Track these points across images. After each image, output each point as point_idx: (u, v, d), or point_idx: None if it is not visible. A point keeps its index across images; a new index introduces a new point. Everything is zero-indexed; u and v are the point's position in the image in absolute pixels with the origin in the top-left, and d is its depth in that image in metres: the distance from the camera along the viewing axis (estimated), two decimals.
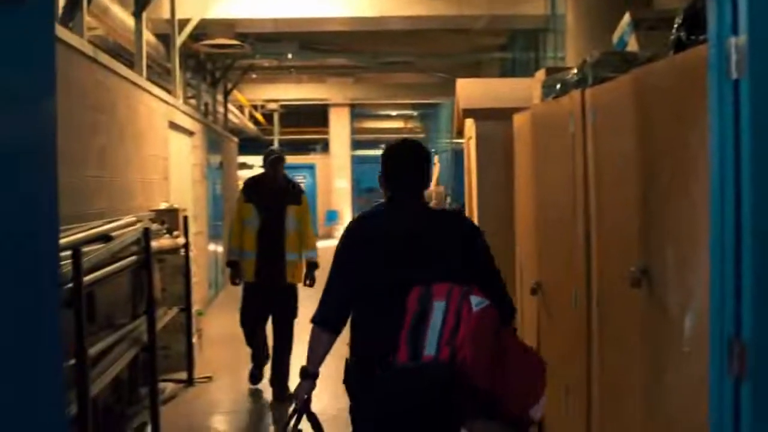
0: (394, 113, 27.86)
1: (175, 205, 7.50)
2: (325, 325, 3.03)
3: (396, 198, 3.16)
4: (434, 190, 17.60)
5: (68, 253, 3.63)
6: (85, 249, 4.21)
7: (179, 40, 9.13)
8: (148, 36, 8.95)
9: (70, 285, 3.61)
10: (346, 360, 3.04)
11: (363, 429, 3.02)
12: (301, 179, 25.91)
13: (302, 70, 18.06)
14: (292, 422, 2.96)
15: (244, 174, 23.35)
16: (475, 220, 6.86)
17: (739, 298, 2.43)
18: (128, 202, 6.46)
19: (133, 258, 4.95)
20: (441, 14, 10.48)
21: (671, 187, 3.03)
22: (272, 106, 21.91)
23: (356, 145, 27.80)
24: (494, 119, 6.30)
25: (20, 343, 1.83)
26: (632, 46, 4.36)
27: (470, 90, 7.13)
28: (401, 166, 3.18)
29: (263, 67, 16.07)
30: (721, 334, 2.49)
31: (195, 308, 7.73)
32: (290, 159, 24.90)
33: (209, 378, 7.05)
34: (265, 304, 6.36)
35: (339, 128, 24.29)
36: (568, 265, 4.34)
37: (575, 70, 4.38)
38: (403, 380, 2.80)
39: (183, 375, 6.95)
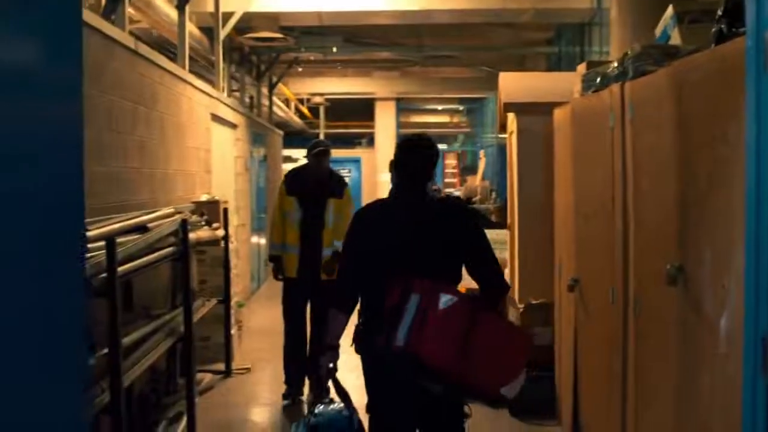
0: (440, 107, 27.71)
1: (216, 197, 7.54)
2: (340, 308, 3.47)
3: (401, 186, 3.51)
4: (479, 185, 17.50)
5: (102, 243, 3.67)
6: (122, 239, 4.27)
7: (223, 33, 9.19)
8: (192, 29, 9.03)
9: (104, 275, 3.64)
10: (356, 325, 3.50)
11: (369, 391, 3.50)
12: (346, 173, 25.99)
13: (348, 63, 18.06)
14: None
15: (288, 167, 23.56)
16: (515, 216, 6.80)
17: None
18: (169, 193, 6.51)
19: (170, 249, 4.98)
20: (486, 7, 10.38)
21: (709, 183, 2.94)
22: (318, 99, 21.94)
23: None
24: (535, 114, 6.23)
25: (45, 336, 1.81)
26: (675, 39, 4.27)
27: (512, 84, 7.05)
28: (410, 158, 3.50)
29: (309, 61, 16.10)
30: (755, 334, 2.42)
31: (235, 300, 7.78)
32: (336, 152, 24.95)
33: (248, 369, 7.10)
34: (305, 299, 6.22)
35: (384, 122, 24.26)
36: (605, 261, 4.26)
37: (615, 64, 4.30)
38: (381, 360, 3.30)
39: (222, 366, 7.00)
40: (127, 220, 4.53)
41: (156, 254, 4.64)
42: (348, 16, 10.08)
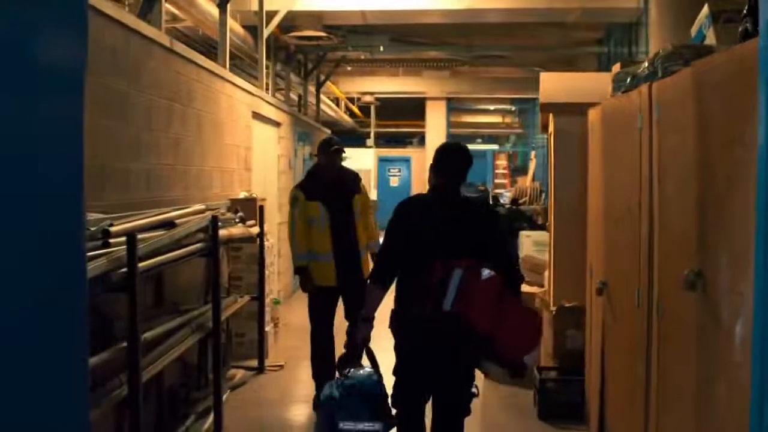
0: (492, 108, 27.51)
1: (254, 195, 7.60)
2: (378, 282, 3.97)
3: (438, 186, 4.03)
4: (529, 186, 17.32)
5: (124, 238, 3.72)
6: (147, 235, 4.33)
7: (266, 31, 9.25)
8: (236, 27, 9.12)
9: (125, 270, 3.70)
10: (392, 310, 3.97)
11: (399, 359, 3.95)
12: (396, 172, 26.01)
13: (397, 63, 18.03)
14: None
15: None
16: (551, 218, 6.71)
17: None
18: (205, 190, 6.58)
19: (199, 245, 5.03)
20: (532, 7, 10.27)
21: (727, 186, 2.87)
22: (368, 98, 21.97)
23: (456, 139, 27.67)
24: (572, 114, 6.13)
25: (42, 336, 1.79)
26: (710, 39, 4.16)
27: (552, 84, 6.96)
28: (448, 162, 4.03)
29: (358, 60, 16.12)
30: (762, 341, 2.36)
31: (270, 297, 7.83)
32: (385, 152, 24.93)
33: (281, 366, 7.14)
34: (334, 306, 5.95)
35: (435, 121, 24.19)
36: (632, 265, 4.19)
37: (646, 64, 4.21)
38: (427, 325, 3.76)
39: (255, 362, 7.05)
40: (155, 216, 4.58)
41: (183, 250, 4.68)
42: (392, 15, 10.06)
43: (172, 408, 5.57)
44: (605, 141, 4.78)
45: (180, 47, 5.87)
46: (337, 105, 21.05)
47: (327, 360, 5.82)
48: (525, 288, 7.30)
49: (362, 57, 15.13)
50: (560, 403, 5.68)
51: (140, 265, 3.87)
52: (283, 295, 10.21)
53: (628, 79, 4.42)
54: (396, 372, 3.96)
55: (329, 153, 5.89)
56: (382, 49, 13.28)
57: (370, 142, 25.36)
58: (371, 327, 3.97)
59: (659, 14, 6.09)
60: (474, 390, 4.03)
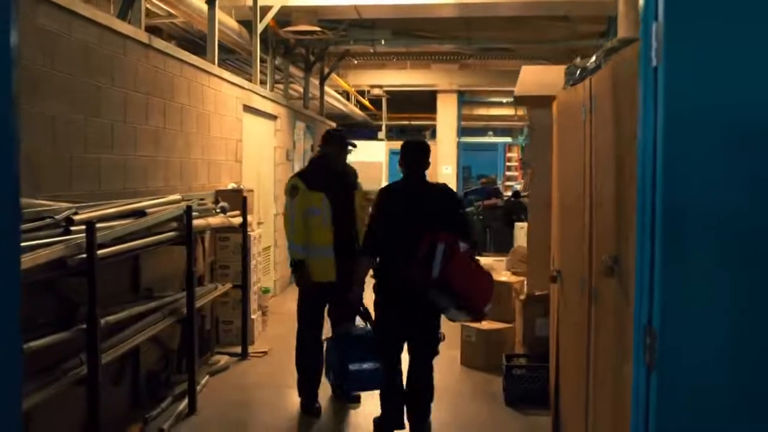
0: (504, 100, 27.54)
1: (242, 186, 7.79)
2: (367, 253, 5.02)
3: (409, 175, 5.05)
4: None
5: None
6: (116, 223, 4.54)
7: (260, 26, 9.42)
8: (230, 22, 9.30)
9: (84, 256, 3.90)
10: (376, 276, 5.02)
11: (383, 314, 5.00)
12: None
13: (404, 56, 18.15)
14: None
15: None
16: (529, 209, 6.85)
17: (652, 288, 2.45)
18: (190, 181, 6.77)
19: (172, 234, 5.23)
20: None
21: (630, 178, 3.00)
22: (377, 91, 22.09)
23: (468, 131, 27.73)
24: (545, 107, 6.23)
25: None
26: None
27: (530, 77, 7.07)
28: (412, 156, 5.09)
29: (365, 53, 16.25)
30: (639, 325, 2.51)
31: (258, 286, 8.02)
32: (397, 144, 24.93)
33: (264, 353, 7.33)
34: (328, 303, 5.84)
35: (446, 114, 24.25)
36: (578, 254, 4.32)
37: (594, 58, 4.33)
38: (409, 287, 4.75)
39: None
40: (124, 206, 4.77)
41: (152, 238, 4.88)
42: (386, 9, 10.18)
43: (150, 390, 5.79)
44: (560, 133, 4.92)
45: (161, 44, 6.06)
46: (347, 98, 21.19)
47: (314, 366, 5.76)
48: (505, 278, 7.45)
49: (371, 50, 15.24)
50: (527, 389, 5.83)
51: (101, 251, 4.07)
52: (280, 285, 10.40)
53: (578, 72, 4.54)
54: (380, 324, 5.04)
55: (341, 147, 5.84)
56: (383, 42, 13.40)
57: (381, 134, 25.50)
58: (363, 290, 5.10)
59: (626, 8, 6.19)
60: (440, 335, 5.13)
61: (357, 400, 5.91)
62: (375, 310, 5.06)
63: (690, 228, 2.33)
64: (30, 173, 4.23)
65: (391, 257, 4.95)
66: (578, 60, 5.15)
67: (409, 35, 13.52)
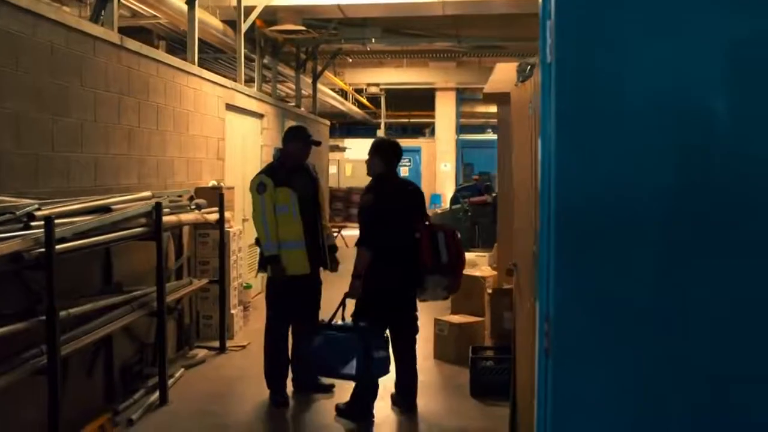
0: None
1: (221, 184, 7.94)
2: (367, 247, 5.36)
3: (386, 173, 5.59)
4: None
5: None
6: (81, 219, 4.68)
7: (245, 26, 9.57)
8: (214, 22, 9.45)
9: (42, 250, 4.04)
10: (372, 264, 5.38)
11: (380, 295, 5.41)
12: (406, 162, 26.25)
13: (401, 54, 18.27)
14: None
15: (336, 156, 23.93)
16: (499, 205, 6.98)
17: (549, 282, 2.59)
18: (166, 179, 6.92)
19: (141, 229, 5.37)
20: None
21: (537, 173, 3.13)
22: (373, 89, 22.22)
23: (468, 129, 27.80)
24: (508, 104, 6.34)
25: None
26: None
27: (503, 74, 7.15)
28: (391, 153, 5.64)
29: (361, 52, 16.38)
30: (541, 315, 2.65)
31: (239, 281, 8.16)
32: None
33: (243, 347, 7.47)
34: (310, 296, 5.99)
35: (445, 112, 24.39)
36: (528, 246, 4.45)
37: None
38: (404, 272, 5.43)
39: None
40: (90, 202, 4.92)
41: (118, 233, 5.02)
42: (370, 9, 10.31)
43: (124, 382, 5.94)
44: (515, 129, 5.05)
45: (134, 44, 6.20)
46: (345, 96, 21.32)
47: (286, 358, 5.95)
48: (478, 272, 7.58)
49: (368, 49, 15.35)
50: (491, 381, 5.94)
51: (61, 246, 4.22)
52: (263, 281, 10.52)
53: (528, 69, 4.66)
54: (376, 303, 5.41)
55: (304, 143, 5.95)
56: (373, 41, 13.52)
57: (380, 132, 25.64)
58: (362, 282, 5.33)
59: None
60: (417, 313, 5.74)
61: (329, 390, 6.04)
62: (371, 296, 5.39)
63: (580, 223, 2.46)
64: None
65: (388, 248, 5.38)
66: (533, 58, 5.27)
67: (399, 33, 13.64)
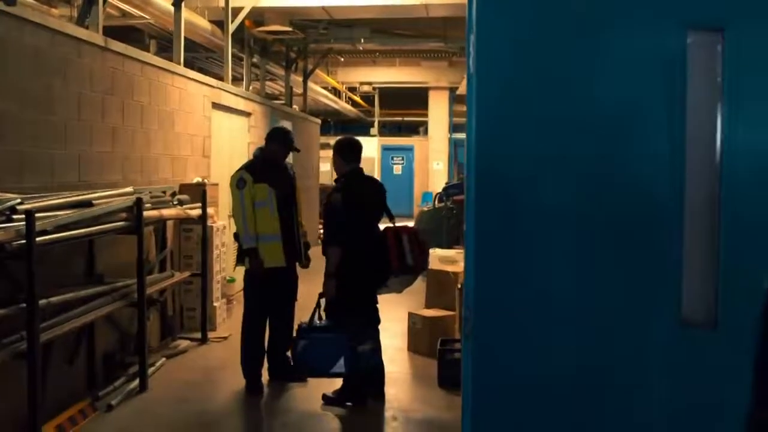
0: None
1: (205, 180, 8.19)
2: (339, 245, 5.52)
3: (353, 170, 5.77)
4: None
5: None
6: (62, 213, 4.94)
7: (232, 27, 9.82)
8: (202, 23, 9.70)
9: (23, 241, 4.30)
10: (343, 263, 5.56)
11: (355, 290, 5.61)
12: (399, 161, 26.52)
13: (393, 54, 18.53)
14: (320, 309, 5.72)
15: (329, 153, 24.16)
16: None
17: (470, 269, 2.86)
18: (150, 175, 7.18)
19: (122, 224, 5.62)
20: None
21: None
22: (366, 88, 22.47)
23: (462, 128, 28.01)
24: None
25: None
26: None
27: None
28: (355, 152, 5.84)
29: (352, 51, 16.63)
30: (465, 303, 2.92)
31: (222, 275, 8.41)
32: (389, 141, 25.23)
33: (224, 338, 7.73)
34: (287, 289, 6.27)
35: (438, 111, 24.63)
36: None
37: None
38: (377, 269, 5.62)
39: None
40: (71, 197, 5.17)
41: (99, 227, 5.27)
42: (355, 10, 10.56)
43: (106, 370, 6.20)
44: None
45: (118, 45, 6.45)
46: (338, 95, 21.57)
47: (262, 348, 6.24)
48: (450, 268, 7.84)
49: (360, 48, 15.61)
50: (458, 372, 6.17)
51: (42, 238, 4.47)
52: None
53: None
54: (352, 299, 5.63)
55: (285, 145, 6.21)
56: (362, 41, 13.78)
57: (374, 131, 25.90)
58: (335, 282, 5.52)
59: None
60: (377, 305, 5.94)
61: (303, 379, 6.29)
62: (345, 293, 5.57)
63: (494, 221, 2.73)
64: None
65: (359, 245, 5.56)
66: None
67: (387, 34, 13.90)
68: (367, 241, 5.65)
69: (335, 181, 5.87)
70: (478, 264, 2.76)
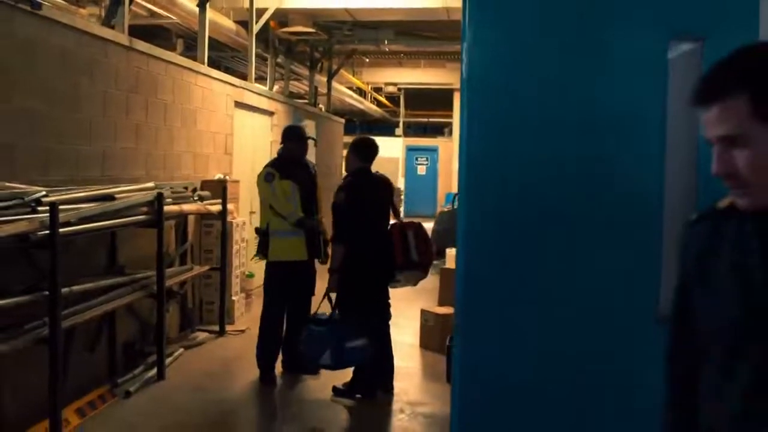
0: None
1: (226, 177, 8.41)
2: (341, 242, 5.71)
3: (364, 168, 5.94)
4: None
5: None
6: (85, 206, 5.16)
7: (256, 27, 10.03)
8: (227, 23, 9.93)
9: (47, 231, 4.51)
10: (348, 260, 5.71)
11: (358, 286, 5.75)
12: (423, 161, 26.65)
13: (418, 55, 18.68)
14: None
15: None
16: None
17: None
18: (172, 171, 7.39)
19: (143, 217, 5.84)
20: None
21: None
22: (391, 89, 22.63)
23: None
24: None
25: None
26: None
27: None
28: (368, 151, 5.99)
29: (377, 52, 16.81)
30: (457, 310, 3.09)
31: (241, 270, 8.61)
32: (413, 141, 25.29)
33: (242, 331, 7.94)
34: (305, 284, 6.42)
35: None
36: None
37: None
38: (382, 265, 5.77)
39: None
40: (93, 191, 5.39)
41: (121, 220, 5.49)
42: (378, 12, 10.73)
43: (126, 359, 6.42)
44: None
45: (143, 45, 6.68)
46: (363, 95, 21.76)
47: (278, 339, 6.43)
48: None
49: (377, 49, 15.79)
50: None
51: (65, 229, 4.69)
52: None
53: None
54: (353, 295, 5.74)
55: (300, 140, 6.42)
56: (386, 42, 13.95)
57: (398, 131, 26.07)
58: (339, 277, 5.69)
59: None
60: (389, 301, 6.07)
61: (316, 372, 6.46)
62: (348, 289, 5.71)
63: (484, 212, 2.89)
64: (8, 161, 4.88)
65: (362, 243, 5.70)
66: None
67: (411, 35, 14.05)
68: (371, 238, 5.77)
69: (344, 179, 6.04)
70: (468, 267, 2.92)
